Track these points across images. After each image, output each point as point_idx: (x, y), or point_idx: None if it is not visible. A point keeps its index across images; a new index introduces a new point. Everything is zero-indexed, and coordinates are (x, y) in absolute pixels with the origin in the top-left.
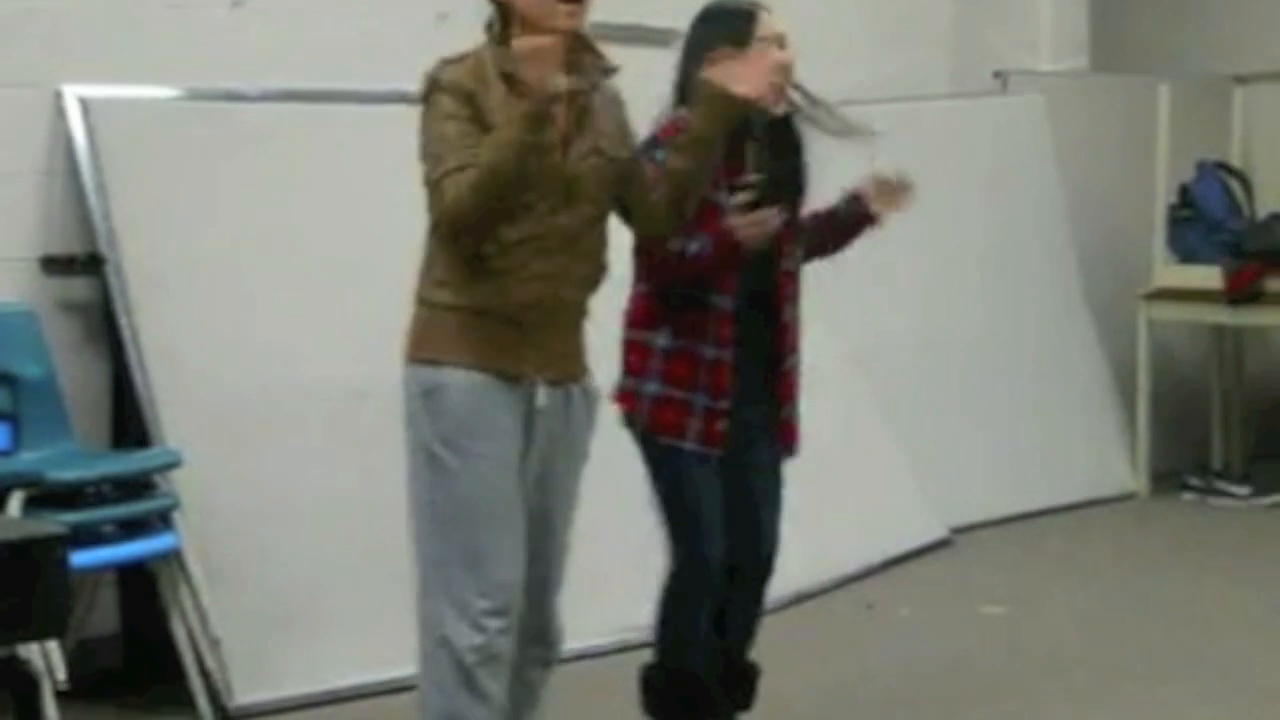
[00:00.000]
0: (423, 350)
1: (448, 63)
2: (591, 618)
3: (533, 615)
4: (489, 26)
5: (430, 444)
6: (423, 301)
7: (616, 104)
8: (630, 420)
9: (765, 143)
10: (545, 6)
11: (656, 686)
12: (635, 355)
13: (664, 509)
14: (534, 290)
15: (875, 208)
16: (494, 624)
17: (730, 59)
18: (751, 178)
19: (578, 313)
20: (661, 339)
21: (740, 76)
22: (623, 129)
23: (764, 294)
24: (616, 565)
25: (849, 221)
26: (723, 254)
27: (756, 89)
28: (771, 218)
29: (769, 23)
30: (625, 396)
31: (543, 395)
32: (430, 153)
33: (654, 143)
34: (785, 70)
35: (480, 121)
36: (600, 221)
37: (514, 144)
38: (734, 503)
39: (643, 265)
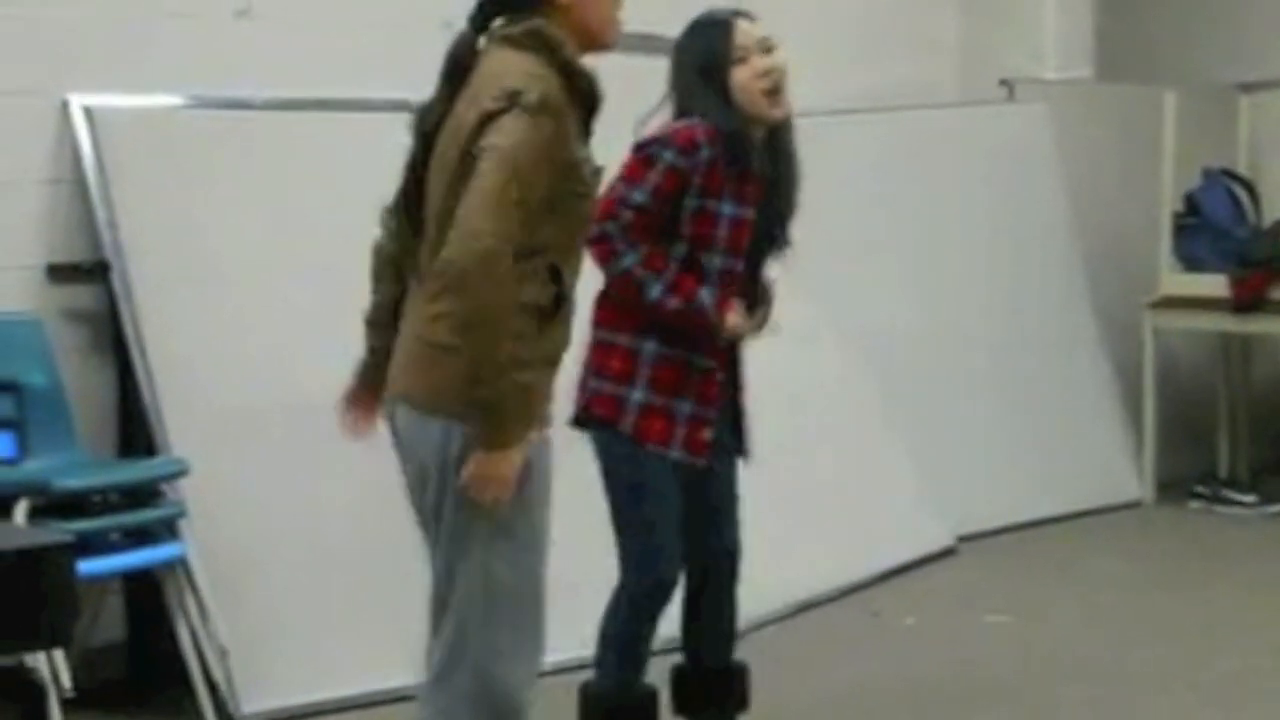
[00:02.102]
0: None
1: (536, 78)
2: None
3: None
4: (531, 36)
5: (507, 511)
6: None
7: None
8: (600, 423)
9: (764, 155)
10: (606, 18)
11: (602, 705)
12: (618, 360)
13: (622, 518)
14: (570, 330)
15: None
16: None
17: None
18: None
19: None
20: (650, 344)
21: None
22: None
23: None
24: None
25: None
26: (689, 322)
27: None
28: (751, 329)
29: (748, 30)
30: (604, 401)
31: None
32: (517, 176)
33: (665, 141)
34: (775, 74)
35: (565, 151)
36: None
37: (508, 379)
38: (693, 510)
39: (600, 263)
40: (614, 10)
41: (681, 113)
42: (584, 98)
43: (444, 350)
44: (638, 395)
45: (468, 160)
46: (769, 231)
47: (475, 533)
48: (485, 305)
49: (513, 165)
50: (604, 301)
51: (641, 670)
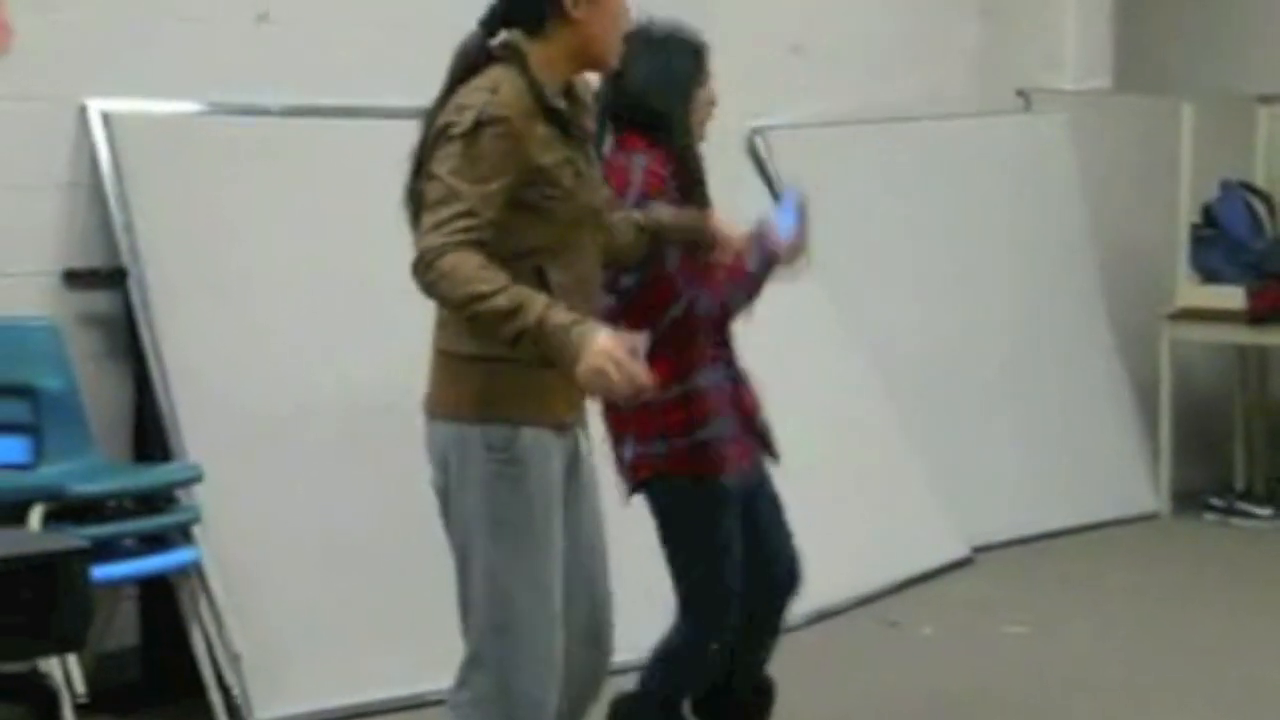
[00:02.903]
0: (492, 408)
1: (492, 92)
2: None
3: (589, 620)
4: (481, 47)
5: (507, 513)
6: (479, 354)
7: None
8: (647, 483)
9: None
10: (612, 40)
11: None
12: (639, 422)
13: (687, 560)
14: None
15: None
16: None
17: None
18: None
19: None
20: (670, 392)
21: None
22: None
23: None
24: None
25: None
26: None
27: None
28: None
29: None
30: (643, 464)
31: (582, 440)
32: (455, 191)
33: (644, 195)
34: (712, 107)
35: (522, 162)
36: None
37: (503, 325)
38: (754, 536)
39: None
40: (618, 28)
41: (632, 124)
42: (547, 110)
43: (443, 355)
44: (679, 443)
45: (426, 175)
46: None
47: (478, 534)
48: (461, 298)
49: (446, 189)
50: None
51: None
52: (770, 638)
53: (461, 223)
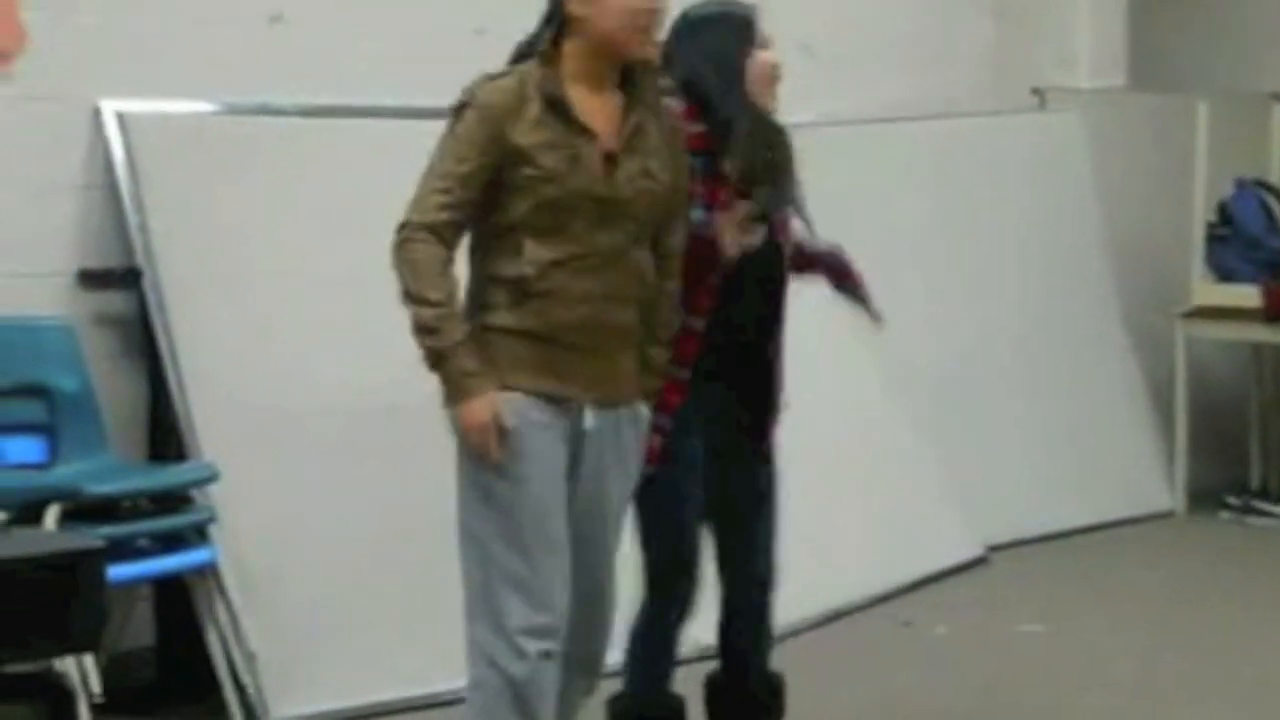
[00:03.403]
0: None
1: (490, 79)
2: None
3: (582, 644)
4: (533, 43)
5: (477, 468)
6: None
7: (672, 130)
8: None
9: (751, 138)
10: (628, 32)
11: (630, 716)
12: None
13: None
14: (578, 312)
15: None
16: (540, 647)
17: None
18: (760, 202)
19: (627, 333)
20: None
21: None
22: (674, 151)
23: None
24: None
25: (825, 271)
26: (697, 258)
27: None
28: (755, 234)
29: (761, 26)
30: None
31: (590, 417)
32: (435, 171)
33: None
34: (779, 68)
35: (501, 144)
36: (644, 241)
37: (417, 335)
38: (730, 525)
39: None
40: (632, 20)
41: (682, 93)
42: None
43: None
44: None
45: None
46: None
47: (462, 501)
48: (408, 290)
49: (429, 167)
50: None
51: (667, 681)
52: (758, 635)
53: (435, 199)
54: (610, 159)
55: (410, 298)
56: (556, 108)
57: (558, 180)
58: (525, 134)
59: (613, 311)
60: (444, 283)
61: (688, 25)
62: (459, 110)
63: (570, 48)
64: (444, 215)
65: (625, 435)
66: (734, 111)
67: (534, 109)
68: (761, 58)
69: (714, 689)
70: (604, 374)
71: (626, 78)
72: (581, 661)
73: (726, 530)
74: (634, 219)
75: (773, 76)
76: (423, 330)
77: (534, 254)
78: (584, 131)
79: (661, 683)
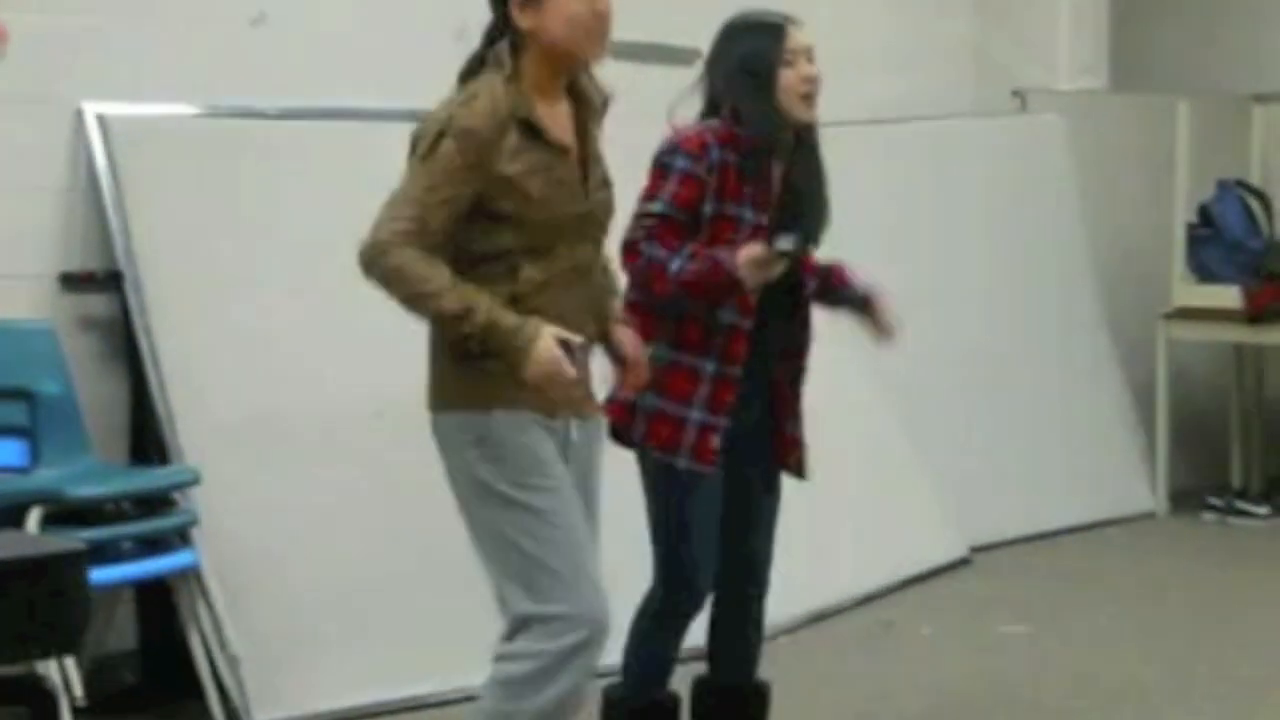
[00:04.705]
0: (465, 397)
1: (461, 104)
2: None
3: None
4: (482, 59)
5: (500, 489)
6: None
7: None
8: (619, 433)
9: (791, 164)
10: (578, 38)
11: (623, 710)
12: None
13: (654, 526)
14: (561, 329)
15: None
16: (594, 654)
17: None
18: (787, 244)
19: (590, 346)
20: (660, 351)
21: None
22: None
23: (786, 312)
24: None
25: (842, 301)
26: (714, 283)
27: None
28: (776, 262)
29: (798, 37)
30: (619, 409)
31: (575, 430)
32: (404, 198)
33: (673, 149)
34: (814, 83)
35: (483, 173)
36: (602, 252)
37: (450, 327)
38: (725, 528)
39: (628, 270)
40: (581, 25)
41: (712, 106)
42: (520, 119)
43: (430, 346)
44: (649, 401)
45: None
46: (806, 237)
47: (472, 507)
48: (409, 296)
49: (401, 192)
50: (632, 312)
51: (666, 678)
52: (746, 643)
53: (402, 225)
54: (584, 173)
55: (415, 300)
56: (531, 130)
57: (547, 205)
58: (508, 163)
59: (585, 324)
60: (435, 270)
61: (724, 36)
62: (435, 139)
63: (525, 58)
64: (412, 242)
65: (597, 443)
66: (769, 125)
67: (512, 136)
68: (798, 69)
69: (701, 691)
70: (581, 386)
71: (569, 82)
72: None
73: (725, 532)
74: (601, 228)
75: (808, 90)
76: (451, 319)
77: (529, 275)
78: (561, 151)
79: (662, 678)
